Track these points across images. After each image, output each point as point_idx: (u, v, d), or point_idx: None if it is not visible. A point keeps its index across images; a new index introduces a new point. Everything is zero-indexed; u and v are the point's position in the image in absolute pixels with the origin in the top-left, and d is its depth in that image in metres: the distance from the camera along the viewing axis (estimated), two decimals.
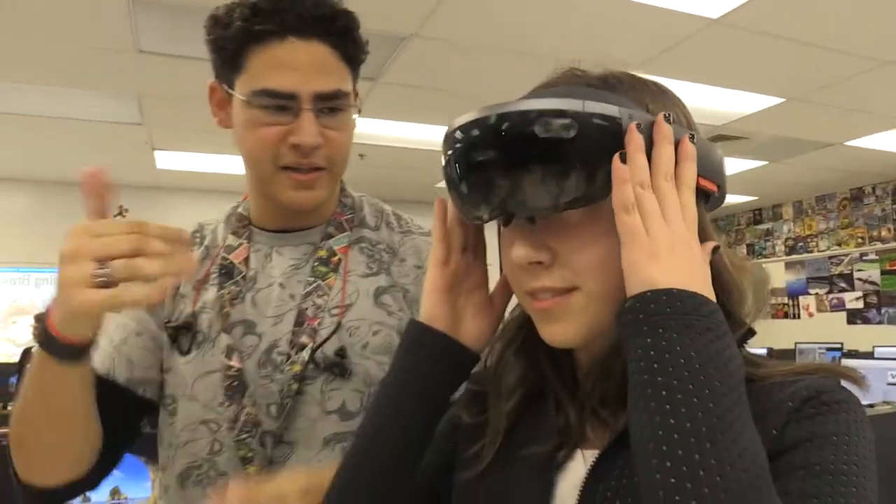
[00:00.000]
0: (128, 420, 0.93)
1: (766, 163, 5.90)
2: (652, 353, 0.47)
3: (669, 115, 0.53)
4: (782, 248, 7.87)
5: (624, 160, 0.52)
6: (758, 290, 0.59)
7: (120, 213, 6.70)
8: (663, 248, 0.50)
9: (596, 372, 0.61)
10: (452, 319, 0.63)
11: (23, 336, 6.14)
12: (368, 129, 4.89)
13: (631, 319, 0.49)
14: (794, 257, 7.69)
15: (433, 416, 0.63)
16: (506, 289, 0.66)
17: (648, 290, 0.49)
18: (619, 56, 3.55)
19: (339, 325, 0.89)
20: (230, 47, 0.86)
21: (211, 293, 0.93)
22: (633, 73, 0.61)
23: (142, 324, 0.94)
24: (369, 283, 0.93)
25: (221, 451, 0.89)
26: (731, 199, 7.67)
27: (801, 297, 7.59)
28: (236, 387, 0.87)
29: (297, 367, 0.87)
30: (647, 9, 3.05)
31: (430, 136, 4.87)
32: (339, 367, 0.87)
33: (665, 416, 0.45)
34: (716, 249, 0.55)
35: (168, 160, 5.67)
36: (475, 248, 0.66)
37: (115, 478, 1.92)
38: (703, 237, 0.55)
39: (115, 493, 1.92)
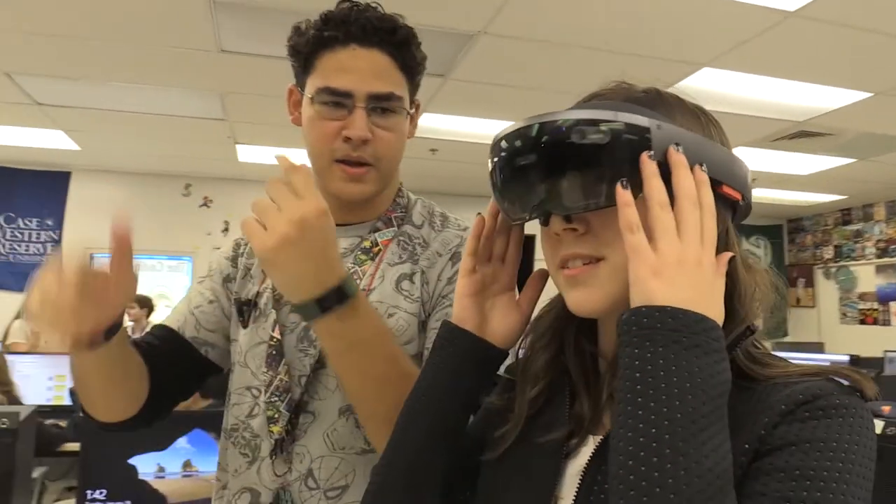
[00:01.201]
0: (187, 373, 1.06)
1: (854, 160, 5.61)
2: (636, 363, 0.51)
3: (679, 145, 0.57)
4: (873, 250, 7.45)
5: (629, 185, 0.56)
6: (764, 291, 0.63)
7: (205, 204, 7.05)
8: (668, 266, 0.53)
9: (616, 363, 0.64)
10: (479, 320, 0.70)
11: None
12: (439, 124, 4.97)
13: (625, 330, 0.53)
14: (886, 260, 7.27)
15: (461, 406, 0.69)
16: (534, 291, 0.73)
17: (645, 305, 0.52)
18: (692, 51, 3.48)
19: None
20: (304, 52, 0.97)
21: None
22: (679, 94, 0.66)
23: (216, 295, 1.09)
24: (395, 271, 1.00)
25: (257, 414, 0.99)
26: (818, 197, 7.33)
27: (892, 303, 7.18)
28: (274, 356, 0.97)
29: None
30: (719, 2, 2.97)
31: (499, 131, 4.88)
32: None
33: (637, 428, 0.49)
34: (732, 259, 0.59)
35: (249, 153, 5.94)
36: (503, 256, 0.72)
37: (186, 451, 2.07)
38: (725, 247, 0.60)
39: (186, 465, 2.06)
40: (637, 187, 0.56)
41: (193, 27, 3.35)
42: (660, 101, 0.63)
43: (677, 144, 0.57)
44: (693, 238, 0.55)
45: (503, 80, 4.01)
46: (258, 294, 1.03)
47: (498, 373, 0.73)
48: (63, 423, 3.27)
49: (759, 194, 7.20)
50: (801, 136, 4.93)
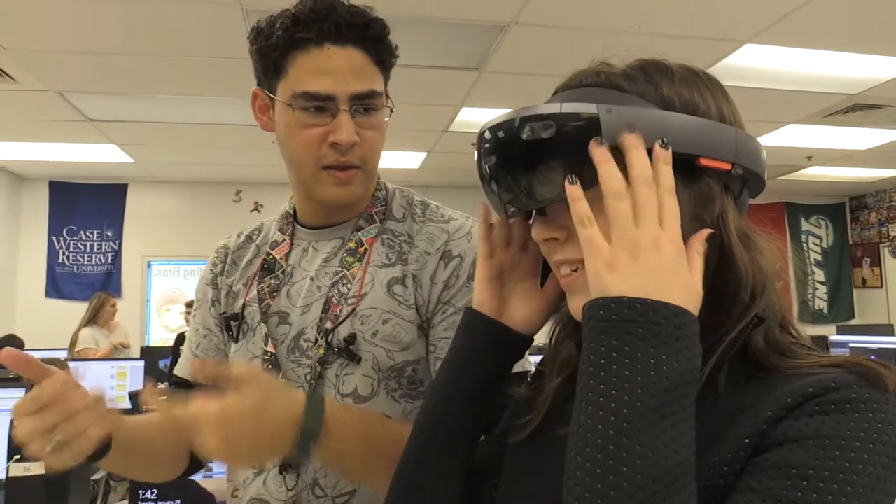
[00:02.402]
0: None
1: None
2: (591, 356, 0.50)
3: (634, 126, 0.54)
4: None
5: (577, 179, 0.54)
6: (769, 272, 0.58)
7: (255, 209, 7.22)
8: (622, 257, 0.51)
9: None
10: (498, 304, 0.70)
11: (175, 322, 6.80)
12: (478, 118, 4.95)
13: (584, 324, 0.52)
14: None
15: (482, 387, 0.69)
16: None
17: (600, 297, 0.51)
18: (733, 27, 3.36)
19: (353, 312, 0.95)
20: (273, 55, 0.92)
21: (255, 291, 1.02)
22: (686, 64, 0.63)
23: (207, 326, 1.07)
24: (385, 274, 0.97)
25: None
26: (880, 172, 7.00)
27: None
28: (271, 369, 0.96)
29: (321, 350, 0.93)
30: None
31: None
32: (347, 352, 0.93)
33: (586, 424, 0.48)
34: (721, 239, 0.56)
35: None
36: (522, 242, 0.71)
37: None
38: (720, 226, 0.56)
39: None
40: (595, 177, 0.54)
41: (229, 36, 3.42)
42: (640, 77, 0.60)
43: (630, 126, 0.55)
44: (648, 221, 0.52)
45: (538, 70, 3.96)
46: (244, 306, 1.02)
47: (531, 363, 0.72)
48: None
49: (815, 172, 6.93)
50: (855, 109, 4.71)
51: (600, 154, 0.54)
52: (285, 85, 0.93)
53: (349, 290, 0.96)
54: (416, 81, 4.17)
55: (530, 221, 0.66)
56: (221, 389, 0.73)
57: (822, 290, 8.41)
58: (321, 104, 0.91)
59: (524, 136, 0.56)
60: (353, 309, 0.95)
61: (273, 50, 0.92)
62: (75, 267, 6.90)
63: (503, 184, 0.60)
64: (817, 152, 6.04)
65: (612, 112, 0.55)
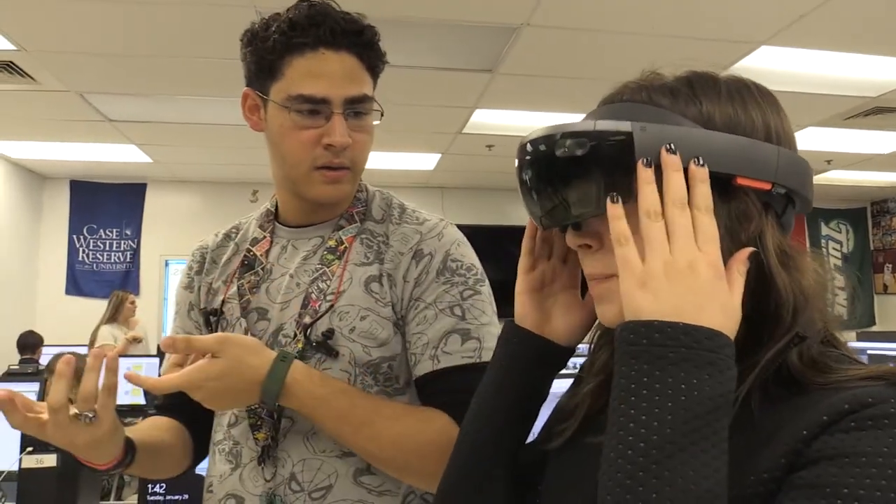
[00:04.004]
0: (209, 413, 1.05)
1: None
2: (622, 380, 0.50)
3: (671, 145, 0.54)
4: None
5: (619, 198, 0.55)
6: (818, 294, 0.58)
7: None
8: (654, 276, 0.51)
9: None
10: (540, 317, 0.70)
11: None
12: (493, 119, 4.96)
13: (616, 347, 0.52)
14: None
15: (523, 399, 0.69)
16: None
17: (632, 321, 0.51)
18: (747, 29, 3.34)
19: (331, 308, 0.97)
20: (269, 57, 0.95)
21: (235, 287, 1.05)
22: (730, 73, 0.63)
23: (186, 330, 1.11)
24: (363, 272, 1.00)
25: (237, 423, 1.01)
26: None
27: None
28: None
29: (300, 345, 0.96)
30: None
31: (554, 122, 4.83)
32: (325, 347, 0.95)
33: (616, 448, 0.48)
34: (762, 259, 0.56)
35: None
36: (562, 254, 0.71)
37: None
38: (759, 245, 0.56)
39: None
40: (629, 193, 0.55)
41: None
42: (684, 91, 0.60)
43: (670, 145, 0.54)
44: (682, 243, 0.52)
45: (552, 71, 3.96)
46: (223, 302, 1.04)
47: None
48: (138, 422, 3.44)
49: (836, 176, 6.84)
50: (876, 112, 4.65)
51: (645, 176, 0.54)
52: (280, 87, 0.95)
53: (328, 286, 0.99)
54: (430, 83, 4.19)
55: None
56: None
57: (842, 296, 8.22)
58: (316, 107, 0.94)
59: (558, 153, 0.57)
60: (332, 305, 0.97)
61: (269, 52, 0.94)
62: (95, 265, 7.01)
63: (541, 195, 0.61)
64: (837, 156, 5.96)
65: (646, 130, 0.55)
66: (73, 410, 0.81)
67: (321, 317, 0.97)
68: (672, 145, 0.54)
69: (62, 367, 0.80)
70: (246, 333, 0.99)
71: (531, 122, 4.90)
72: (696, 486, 0.45)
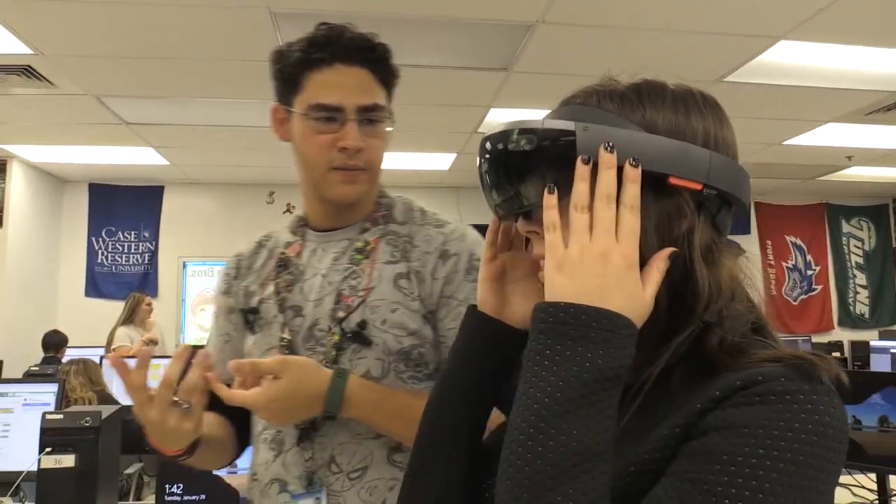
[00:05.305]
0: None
1: None
2: (529, 352, 0.57)
3: (610, 144, 0.60)
4: None
5: (555, 189, 0.61)
6: (729, 284, 0.63)
7: (288, 210, 7.32)
8: (571, 262, 0.58)
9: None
10: (499, 303, 0.75)
11: (209, 322, 6.91)
12: (506, 118, 4.92)
13: (531, 324, 0.59)
14: None
15: (481, 378, 0.74)
16: None
17: (543, 302, 0.58)
18: (765, 23, 3.29)
19: (363, 301, 1.07)
20: (292, 73, 1.07)
21: (272, 287, 1.15)
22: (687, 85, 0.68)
23: (227, 332, 1.21)
24: (391, 270, 1.10)
25: None
26: None
27: None
28: (287, 355, 1.06)
29: (336, 337, 1.06)
30: None
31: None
32: (359, 336, 1.05)
33: (519, 405, 0.55)
34: (683, 256, 0.61)
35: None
36: (523, 245, 0.76)
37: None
38: (686, 244, 0.61)
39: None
40: (570, 187, 0.60)
41: (259, 40, 3.47)
42: (631, 97, 0.65)
43: (608, 144, 0.60)
44: (601, 234, 0.58)
45: (566, 69, 3.93)
46: (261, 301, 1.14)
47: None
48: None
49: (857, 172, 6.75)
50: (894, 108, 4.58)
51: (580, 171, 0.60)
52: (301, 99, 1.07)
53: (359, 283, 1.09)
54: (445, 83, 4.18)
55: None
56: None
57: (863, 295, 8.19)
58: (332, 114, 1.06)
59: (510, 147, 0.63)
60: (364, 300, 1.07)
61: (291, 68, 1.07)
62: (114, 267, 7.07)
63: (496, 187, 0.67)
64: (858, 152, 5.88)
65: (587, 130, 0.61)
66: (175, 398, 0.92)
67: (354, 310, 1.06)
68: (610, 144, 0.60)
69: (181, 351, 0.93)
70: (284, 329, 1.09)
71: None
72: (578, 443, 0.52)
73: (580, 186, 0.59)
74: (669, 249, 0.60)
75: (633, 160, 0.60)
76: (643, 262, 0.59)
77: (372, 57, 1.07)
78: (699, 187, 0.62)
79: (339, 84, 1.05)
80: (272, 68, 1.10)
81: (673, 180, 0.61)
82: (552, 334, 0.56)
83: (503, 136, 0.64)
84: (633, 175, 0.59)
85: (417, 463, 0.76)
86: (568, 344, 0.55)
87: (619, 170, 0.59)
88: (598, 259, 0.57)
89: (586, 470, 0.52)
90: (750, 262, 0.66)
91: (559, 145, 0.61)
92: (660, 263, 0.60)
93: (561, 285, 0.57)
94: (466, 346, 0.75)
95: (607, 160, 0.59)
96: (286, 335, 1.08)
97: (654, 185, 0.61)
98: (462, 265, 1.08)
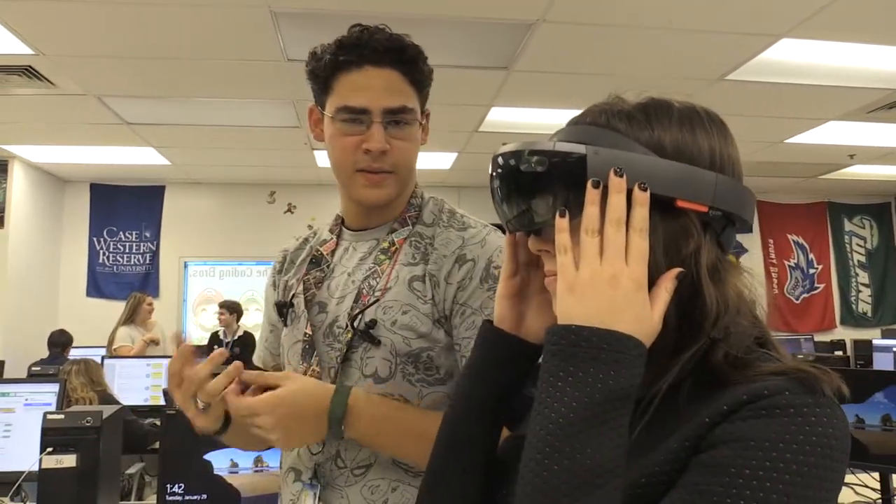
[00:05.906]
0: None
1: None
2: (543, 374, 0.59)
3: (620, 168, 0.61)
4: None
5: (567, 212, 0.63)
6: (736, 301, 0.64)
7: (288, 210, 7.32)
8: (582, 284, 0.60)
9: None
10: (516, 319, 0.76)
11: (210, 322, 6.92)
12: (509, 117, 4.94)
13: (544, 345, 0.60)
14: None
15: (496, 393, 0.75)
16: None
17: (555, 325, 0.60)
18: (766, 21, 3.29)
19: (377, 301, 1.08)
20: (322, 75, 1.07)
21: (303, 283, 1.18)
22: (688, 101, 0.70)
23: (272, 322, 1.25)
24: (408, 271, 1.10)
25: None
26: None
27: None
28: (307, 349, 1.11)
29: (349, 335, 1.07)
30: None
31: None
32: (368, 335, 1.05)
33: (535, 424, 0.57)
34: (691, 275, 0.63)
35: (327, 158, 6.07)
36: (538, 260, 0.76)
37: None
38: (693, 264, 0.63)
39: (258, 461, 2.14)
40: (581, 208, 0.62)
41: (260, 40, 3.47)
42: (639, 117, 0.67)
43: (619, 169, 0.61)
44: (612, 257, 0.59)
45: (567, 68, 3.93)
46: (294, 296, 1.18)
47: None
48: (159, 422, 3.47)
49: (859, 171, 6.74)
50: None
51: (591, 195, 0.61)
52: (332, 101, 1.08)
53: (377, 283, 1.10)
54: (445, 81, 4.17)
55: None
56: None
57: (866, 293, 8.17)
58: (357, 116, 1.06)
59: (522, 168, 0.65)
60: (378, 299, 1.08)
61: (322, 70, 1.07)
62: (115, 267, 7.08)
63: (507, 203, 0.68)
64: (860, 150, 5.87)
65: (598, 154, 0.62)
66: (197, 397, 0.97)
67: (366, 308, 1.07)
68: (620, 168, 0.61)
69: (216, 356, 0.96)
70: (307, 324, 1.12)
71: (548, 120, 4.86)
72: (591, 460, 0.54)
73: (591, 210, 0.61)
74: (677, 270, 0.62)
75: (642, 184, 0.61)
76: (651, 281, 0.60)
77: (402, 58, 1.07)
78: (705, 209, 0.64)
79: (366, 86, 1.05)
80: (306, 69, 1.11)
81: (680, 203, 0.63)
82: (565, 356, 0.57)
83: (515, 155, 0.65)
84: (642, 199, 0.61)
85: (434, 475, 0.77)
86: (580, 365, 0.56)
87: (628, 192, 0.61)
88: (608, 282, 0.59)
89: (599, 486, 0.54)
90: (753, 277, 0.67)
91: (570, 167, 0.63)
92: (668, 284, 0.61)
93: (572, 308, 0.59)
94: (482, 361, 0.76)
95: (617, 184, 0.61)
96: (308, 330, 1.11)
97: (661, 206, 0.62)
98: (478, 272, 1.06)
